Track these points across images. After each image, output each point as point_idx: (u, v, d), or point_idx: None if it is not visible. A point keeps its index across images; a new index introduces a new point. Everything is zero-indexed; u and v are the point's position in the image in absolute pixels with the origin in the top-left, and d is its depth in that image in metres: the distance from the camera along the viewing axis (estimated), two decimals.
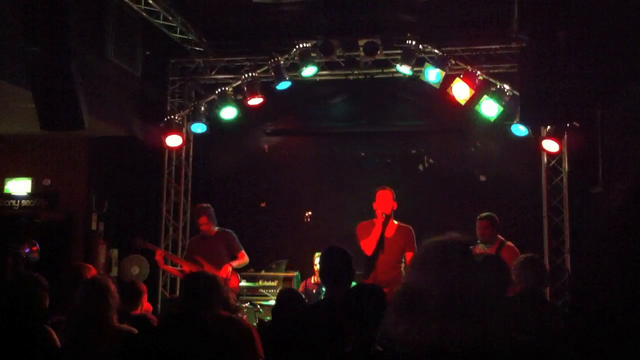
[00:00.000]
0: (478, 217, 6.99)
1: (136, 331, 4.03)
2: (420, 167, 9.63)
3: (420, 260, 2.04)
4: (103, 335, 3.90)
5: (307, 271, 8.05)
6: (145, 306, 5.48)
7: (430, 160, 9.56)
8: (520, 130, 8.12)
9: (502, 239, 6.93)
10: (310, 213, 7.87)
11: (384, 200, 6.80)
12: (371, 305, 3.48)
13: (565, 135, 8.30)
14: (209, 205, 7.54)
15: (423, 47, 8.34)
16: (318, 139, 10.03)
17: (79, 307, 3.94)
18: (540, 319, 4.41)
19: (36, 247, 6.77)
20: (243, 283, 8.06)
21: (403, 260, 6.86)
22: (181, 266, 7.57)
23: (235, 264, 7.35)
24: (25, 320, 4.01)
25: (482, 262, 4.29)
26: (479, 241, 6.97)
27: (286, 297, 4.76)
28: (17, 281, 4.27)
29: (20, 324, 3.98)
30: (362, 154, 9.82)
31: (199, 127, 8.85)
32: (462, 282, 1.97)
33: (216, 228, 7.50)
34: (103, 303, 3.91)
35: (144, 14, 8.02)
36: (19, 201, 9.12)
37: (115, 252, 8.92)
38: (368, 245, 6.62)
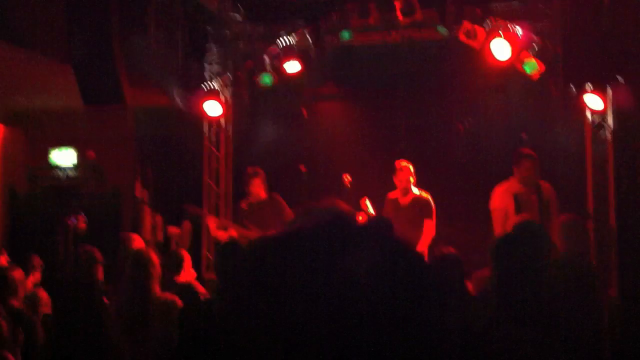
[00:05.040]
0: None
1: (178, 299, 4.15)
2: (460, 126, 9.54)
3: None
4: (148, 304, 4.03)
5: None
6: (190, 273, 5.57)
7: (471, 120, 9.46)
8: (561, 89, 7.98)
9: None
10: (349, 178, 7.89)
11: (401, 177, 7.54)
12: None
13: (611, 91, 8.10)
14: (261, 169, 7.73)
15: (461, 4, 8.19)
16: (357, 103, 10.00)
17: (124, 279, 4.07)
18: (583, 287, 4.37)
19: (83, 218, 6.95)
20: None
21: None
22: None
23: None
24: (83, 292, 4.17)
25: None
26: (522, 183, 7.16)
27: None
28: (72, 257, 4.43)
29: (79, 296, 4.13)
30: (402, 117, 9.76)
31: (236, 95, 8.88)
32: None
33: (266, 193, 7.61)
34: (146, 274, 4.04)
35: None
36: (65, 172, 9.34)
37: (159, 218, 9.09)
38: None
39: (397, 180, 7.66)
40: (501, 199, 7.33)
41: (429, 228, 7.55)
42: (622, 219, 7.73)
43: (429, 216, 7.56)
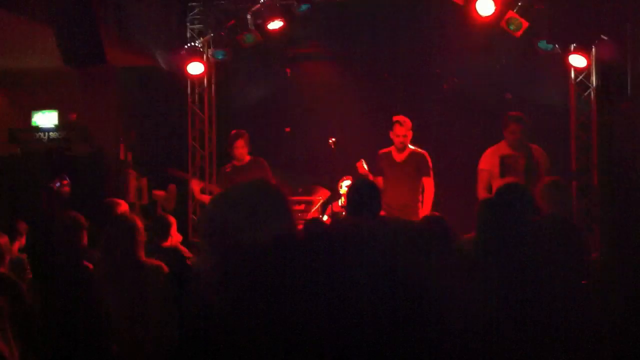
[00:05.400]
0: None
1: (164, 265, 4.17)
2: (445, 85, 9.52)
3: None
4: (132, 271, 4.05)
5: (333, 195, 8.12)
6: (176, 237, 5.59)
7: (455, 79, 9.43)
8: (547, 45, 7.95)
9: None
10: (334, 139, 7.85)
11: (399, 132, 7.38)
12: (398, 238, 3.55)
13: (594, 50, 8.09)
14: (245, 131, 7.76)
15: None
16: (340, 61, 9.91)
17: (108, 245, 4.08)
18: (570, 244, 4.43)
19: (66, 182, 6.90)
20: None
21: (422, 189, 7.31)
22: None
23: None
24: (64, 258, 4.17)
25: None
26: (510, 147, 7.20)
27: (311, 228, 4.81)
28: (55, 221, 4.41)
29: (60, 262, 4.13)
30: (386, 75, 9.70)
31: (219, 54, 8.77)
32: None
33: (248, 156, 7.69)
34: (130, 240, 4.05)
35: None
36: (47, 134, 9.23)
37: (144, 181, 9.05)
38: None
39: (394, 134, 7.50)
40: (487, 161, 7.38)
41: (429, 187, 7.51)
42: (605, 179, 7.81)
43: (427, 174, 7.50)
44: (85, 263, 4.31)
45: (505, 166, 7.14)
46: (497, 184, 6.93)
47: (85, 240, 4.45)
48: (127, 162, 8.95)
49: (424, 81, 9.57)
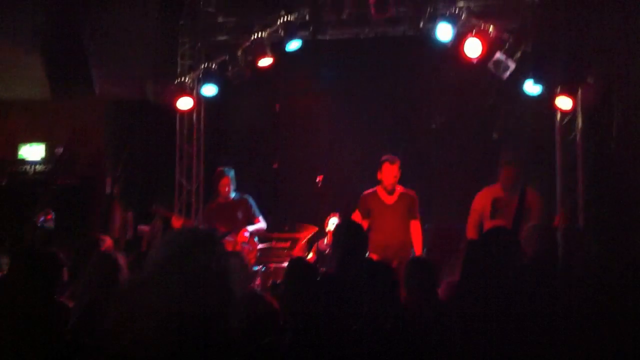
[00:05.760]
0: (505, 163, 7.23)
1: None
2: (433, 125, 9.56)
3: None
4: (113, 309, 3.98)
5: (320, 232, 8.10)
6: None
7: (442, 119, 9.48)
8: (531, 90, 8.02)
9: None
10: (321, 178, 7.84)
11: (389, 172, 7.10)
12: (381, 283, 3.56)
13: (580, 92, 8.16)
14: (232, 168, 7.81)
15: (435, 2, 8.20)
16: (330, 98, 9.95)
17: (89, 282, 4.03)
18: (551, 289, 4.41)
19: (51, 216, 6.85)
20: None
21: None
22: None
23: (252, 228, 7.50)
24: (40, 295, 4.08)
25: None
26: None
27: (297, 267, 4.77)
28: (33, 258, 4.32)
29: (34, 299, 4.04)
30: (375, 113, 9.74)
31: (209, 90, 8.79)
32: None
33: (233, 194, 7.68)
34: (111, 278, 4.00)
35: None
36: (33, 167, 9.19)
37: (130, 215, 8.99)
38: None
39: (384, 175, 7.27)
40: (479, 202, 7.40)
41: (418, 229, 7.31)
42: (591, 220, 7.83)
43: (415, 216, 7.31)
44: (64, 300, 4.25)
45: (495, 209, 7.17)
46: (487, 225, 6.95)
47: (64, 277, 4.37)
48: (114, 196, 8.90)
49: (413, 119, 9.62)
